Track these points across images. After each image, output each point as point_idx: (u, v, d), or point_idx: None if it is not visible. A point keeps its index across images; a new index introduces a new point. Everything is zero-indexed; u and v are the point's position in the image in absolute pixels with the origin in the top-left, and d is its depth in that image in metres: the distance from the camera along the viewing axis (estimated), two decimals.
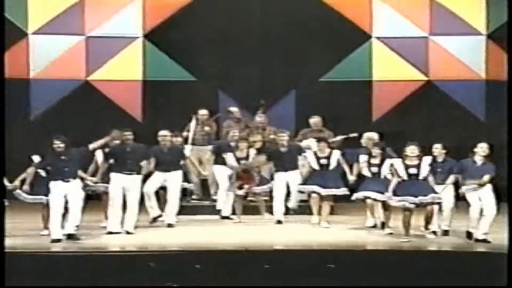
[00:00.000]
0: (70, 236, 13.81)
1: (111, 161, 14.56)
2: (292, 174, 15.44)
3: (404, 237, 13.78)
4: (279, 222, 15.30)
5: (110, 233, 14.45)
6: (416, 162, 13.75)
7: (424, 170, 13.73)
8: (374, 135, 15.08)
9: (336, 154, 15.20)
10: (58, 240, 13.64)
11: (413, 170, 13.70)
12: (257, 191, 15.32)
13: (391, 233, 14.29)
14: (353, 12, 17.92)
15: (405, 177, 13.75)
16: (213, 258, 12.59)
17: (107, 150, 14.62)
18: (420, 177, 13.71)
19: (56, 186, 13.69)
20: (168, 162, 15.24)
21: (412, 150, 13.72)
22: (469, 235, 13.93)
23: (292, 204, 15.61)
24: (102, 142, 14.21)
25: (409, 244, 13.54)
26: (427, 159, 13.77)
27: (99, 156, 14.69)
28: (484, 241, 13.61)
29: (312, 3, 17.69)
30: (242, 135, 15.70)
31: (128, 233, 14.45)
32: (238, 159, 15.28)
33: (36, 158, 14.07)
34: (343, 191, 15.08)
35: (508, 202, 9.92)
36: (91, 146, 14.07)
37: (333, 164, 15.18)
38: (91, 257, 12.97)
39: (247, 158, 15.24)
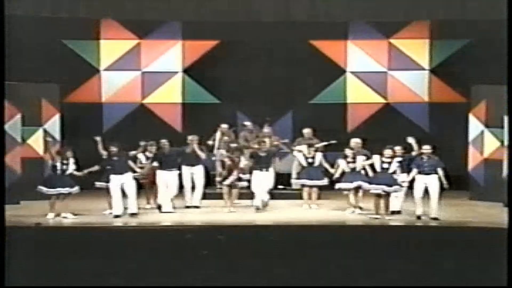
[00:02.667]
0: (132, 215, 14.09)
1: (155, 163, 14.66)
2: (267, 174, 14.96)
3: (374, 216, 14.05)
4: (257, 209, 14.73)
5: (162, 211, 14.56)
6: (388, 160, 14.03)
7: (393, 167, 14.03)
8: (359, 140, 15.00)
9: (319, 156, 15.34)
10: (119, 216, 13.95)
11: (385, 165, 13.97)
12: (243, 178, 14.75)
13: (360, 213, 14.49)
14: (333, 53, 17.93)
15: (379, 169, 14.06)
16: (230, 231, 12.74)
17: (150, 154, 14.78)
18: (390, 171, 14.02)
19: (114, 178, 14.02)
20: (194, 160, 15.24)
21: (387, 152, 14.00)
22: (418, 218, 14.02)
23: (257, 202, 14.82)
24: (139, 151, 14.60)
25: (378, 221, 13.80)
26: (396, 160, 14.00)
27: (141, 157, 14.83)
28: (435, 219, 13.86)
29: (303, 47, 17.67)
30: (239, 146, 15.41)
31: (159, 209, 14.63)
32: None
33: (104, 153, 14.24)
34: (324, 182, 15.26)
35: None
36: (132, 153, 14.44)
37: (316, 163, 15.28)
38: (146, 230, 13.39)
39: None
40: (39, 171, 15.16)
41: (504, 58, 16.23)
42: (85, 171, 14.18)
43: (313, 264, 10.23)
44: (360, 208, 14.72)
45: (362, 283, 9.46)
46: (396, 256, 10.77)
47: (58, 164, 14.05)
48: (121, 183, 14.01)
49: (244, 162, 14.80)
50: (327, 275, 9.76)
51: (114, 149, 14.06)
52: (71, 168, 14.07)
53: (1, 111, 9.83)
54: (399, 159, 14.02)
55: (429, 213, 13.96)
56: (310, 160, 15.35)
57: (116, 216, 13.96)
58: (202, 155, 15.23)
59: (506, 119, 15.01)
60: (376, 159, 14.07)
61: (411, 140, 14.21)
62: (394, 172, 13.98)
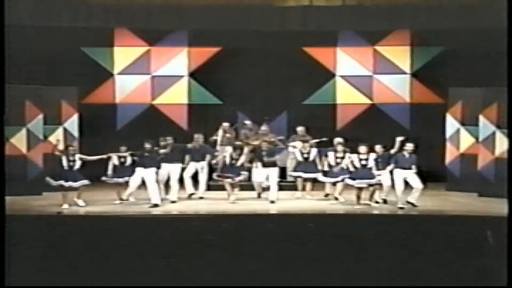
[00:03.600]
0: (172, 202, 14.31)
1: (162, 156, 14.52)
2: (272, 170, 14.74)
3: (356, 205, 14.11)
4: (271, 202, 14.51)
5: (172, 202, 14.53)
6: (365, 156, 14.07)
7: (370, 162, 14.08)
8: (341, 139, 14.99)
9: (314, 151, 15.37)
10: (157, 205, 13.89)
11: (363, 162, 14.02)
12: (235, 180, 14.64)
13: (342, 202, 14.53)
14: (324, 59, 17.92)
15: (358, 166, 14.10)
16: (233, 219, 12.62)
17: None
18: (368, 166, 14.08)
19: (137, 171, 14.12)
20: (199, 155, 15.23)
21: (362, 149, 14.09)
22: (384, 201, 14.24)
23: (272, 196, 14.60)
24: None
25: (360, 210, 13.83)
26: (372, 155, 14.06)
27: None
28: (412, 204, 13.92)
29: (297, 53, 17.65)
30: (239, 144, 15.33)
31: (172, 202, 14.49)
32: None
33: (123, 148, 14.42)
34: (318, 175, 15.21)
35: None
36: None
37: (311, 158, 15.32)
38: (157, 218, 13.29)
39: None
40: (59, 165, 15.09)
41: (478, 62, 16.39)
42: (96, 157, 14.19)
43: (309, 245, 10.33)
44: (336, 198, 14.84)
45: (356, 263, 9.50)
46: (379, 240, 10.86)
47: (64, 160, 14.01)
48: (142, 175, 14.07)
49: (243, 158, 14.77)
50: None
51: (148, 145, 14.08)
52: (78, 164, 14.01)
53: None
54: (374, 155, 14.05)
55: (409, 199, 13.97)
56: (305, 155, 15.35)
57: (155, 206, 13.89)
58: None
59: (481, 118, 14.99)
60: (354, 156, 14.11)
61: (399, 139, 14.19)
62: (371, 167, 14.04)
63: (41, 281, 9.00)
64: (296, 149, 15.54)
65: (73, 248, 10.19)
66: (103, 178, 14.50)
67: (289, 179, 16.05)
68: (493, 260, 9.26)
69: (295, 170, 15.56)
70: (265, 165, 14.68)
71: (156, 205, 13.88)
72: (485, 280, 8.70)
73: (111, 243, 10.55)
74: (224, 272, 9.74)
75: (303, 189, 15.47)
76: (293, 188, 15.65)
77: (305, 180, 15.40)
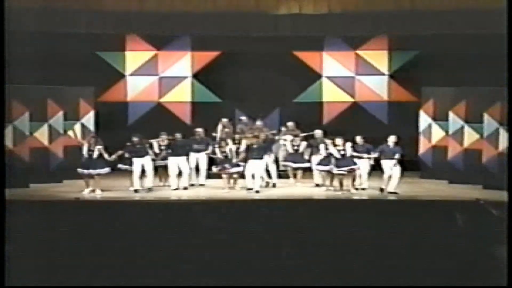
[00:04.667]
0: (149, 189, 14.16)
1: (169, 150, 14.58)
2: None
3: (340, 191, 14.10)
4: (253, 190, 14.13)
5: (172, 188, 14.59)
6: (342, 147, 14.05)
7: (348, 151, 14.06)
8: (320, 131, 15.19)
9: (303, 144, 15.36)
10: (137, 191, 13.96)
11: (342, 152, 14.02)
12: (231, 171, 14.39)
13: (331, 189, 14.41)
14: (312, 61, 17.82)
15: (338, 156, 14.08)
16: (231, 205, 12.59)
17: (162, 145, 14.63)
18: (347, 155, 14.06)
19: (136, 161, 14.10)
20: (200, 147, 15.08)
21: (338, 141, 14.05)
22: (381, 189, 14.11)
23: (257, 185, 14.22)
24: (154, 140, 14.52)
25: (344, 196, 13.84)
26: (348, 144, 14.03)
27: (155, 146, 14.63)
28: (395, 193, 13.94)
29: (288, 57, 17.57)
30: (238, 137, 14.98)
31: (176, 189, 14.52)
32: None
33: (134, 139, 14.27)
34: (307, 165, 15.25)
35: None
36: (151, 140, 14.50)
37: (300, 150, 15.32)
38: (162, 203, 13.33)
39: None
40: (78, 156, 15.02)
41: (449, 64, 16.43)
42: (113, 156, 14.16)
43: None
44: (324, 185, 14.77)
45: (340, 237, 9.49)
46: (361, 221, 10.88)
47: (85, 151, 14.05)
48: (142, 163, 14.08)
49: (241, 151, 14.60)
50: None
51: (135, 139, 14.16)
52: (96, 153, 13.98)
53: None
54: (350, 143, 14.02)
55: (389, 189, 14.02)
56: (295, 148, 15.33)
57: (185, 188, 14.39)
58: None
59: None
60: (331, 148, 14.02)
61: (393, 138, 14.18)
62: (352, 156, 13.98)
63: (59, 259, 8.94)
64: (287, 142, 15.48)
65: (90, 231, 10.16)
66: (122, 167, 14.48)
67: (282, 168, 15.90)
68: (463, 238, 9.31)
69: (285, 160, 15.50)
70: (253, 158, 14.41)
71: (186, 188, 14.44)
72: (456, 256, 8.72)
73: (128, 226, 10.57)
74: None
75: (295, 176, 15.43)
76: (285, 176, 15.65)
77: (295, 169, 15.36)
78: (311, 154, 15.11)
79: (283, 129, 16.32)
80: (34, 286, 8.30)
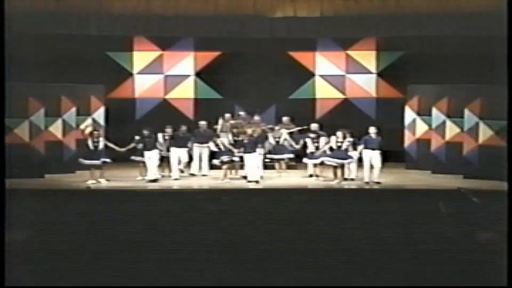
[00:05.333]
0: (154, 180, 14.17)
1: (172, 142, 14.68)
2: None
3: (333, 181, 14.13)
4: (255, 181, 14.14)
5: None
6: (341, 140, 14.07)
7: (345, 145, 14.06)
8: (316, 124, 15.19)
9: (284, 135, 15.21)
10: (155, 180, 14.03)
11: (339, 144, 14.02)
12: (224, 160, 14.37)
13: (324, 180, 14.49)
14: (305, 61, 17.79)
15: (335, 147, 14.08)
16: (231, 194, 12.59)
17: (167, 136, 14.72)
18: (342, 148, 14.06)
19: (146, 153, 14.13)
20: (203, 140, 15.14)
21: (339, 134, 14.09)
22: (366, 183, 14.08)
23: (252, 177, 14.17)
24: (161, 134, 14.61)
25: (338, 186, 13.90)
26: (348, 139, 14.06)
27: (160, 138, 14.70)
28: (378, 183, 13.95)
29: (283, 56, 17.56)
30: (240, 131, 14.94)
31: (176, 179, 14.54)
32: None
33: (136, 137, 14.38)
34: (290, 155, 15.28)
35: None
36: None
37: (281, 141, 15.23)
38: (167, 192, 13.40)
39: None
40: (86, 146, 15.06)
41: (432, 64, 16.45)
42: (124, 149, 14.27)
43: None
44: (317, 176, 14.79)
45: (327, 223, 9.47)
46: (351, 209, 10.80)
47: (90, 143, 14.16)
48: (149, 156, 14.13)
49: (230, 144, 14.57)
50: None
51: (145, 132, 14.23)
52: (101, 145, 14.13)
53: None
54: (350, 139, 14.00)
55: (373, 179, 14.02)
56: (277, 139, 15.31)
57: (192, 175, 14.66)
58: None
59: (465, 112, 14.81)
60: (332, 139, 14.06)
61: (373, 129, 14.15)
62: (347, 149, 13.97)
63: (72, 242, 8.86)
64: (270, 135, 15.45)
65: (100, 217, 10.15)
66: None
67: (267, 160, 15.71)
68: (446, 224, 9.33)
69: (269, 152, 15.34)
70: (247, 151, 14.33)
71: (193, 175, 14.65)
72: (440, 240, 8.74)
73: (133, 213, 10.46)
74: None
75: (280, 167, 15.46)
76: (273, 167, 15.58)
77: (278, 160, 15.34)
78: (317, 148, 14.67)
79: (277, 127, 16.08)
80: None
